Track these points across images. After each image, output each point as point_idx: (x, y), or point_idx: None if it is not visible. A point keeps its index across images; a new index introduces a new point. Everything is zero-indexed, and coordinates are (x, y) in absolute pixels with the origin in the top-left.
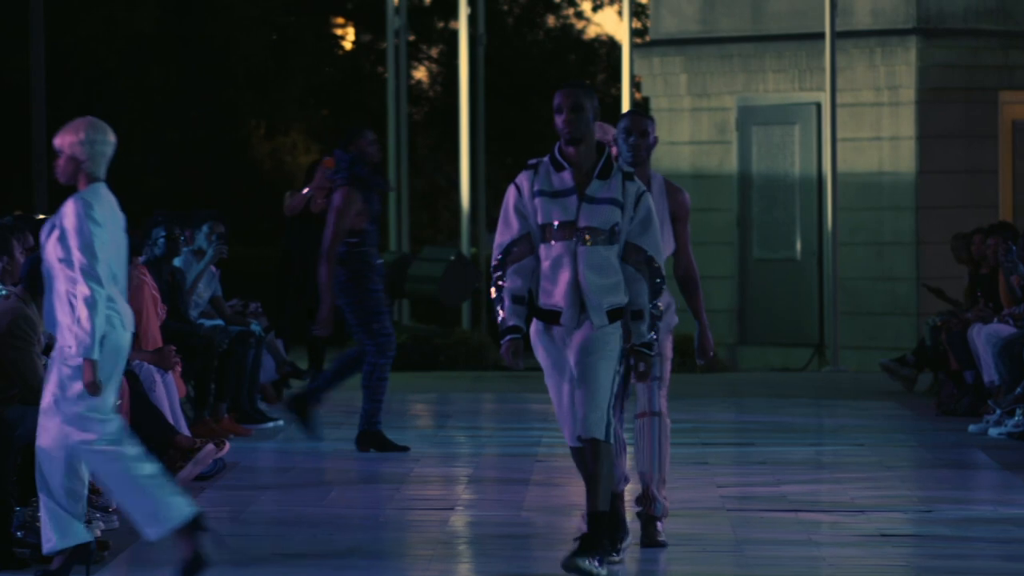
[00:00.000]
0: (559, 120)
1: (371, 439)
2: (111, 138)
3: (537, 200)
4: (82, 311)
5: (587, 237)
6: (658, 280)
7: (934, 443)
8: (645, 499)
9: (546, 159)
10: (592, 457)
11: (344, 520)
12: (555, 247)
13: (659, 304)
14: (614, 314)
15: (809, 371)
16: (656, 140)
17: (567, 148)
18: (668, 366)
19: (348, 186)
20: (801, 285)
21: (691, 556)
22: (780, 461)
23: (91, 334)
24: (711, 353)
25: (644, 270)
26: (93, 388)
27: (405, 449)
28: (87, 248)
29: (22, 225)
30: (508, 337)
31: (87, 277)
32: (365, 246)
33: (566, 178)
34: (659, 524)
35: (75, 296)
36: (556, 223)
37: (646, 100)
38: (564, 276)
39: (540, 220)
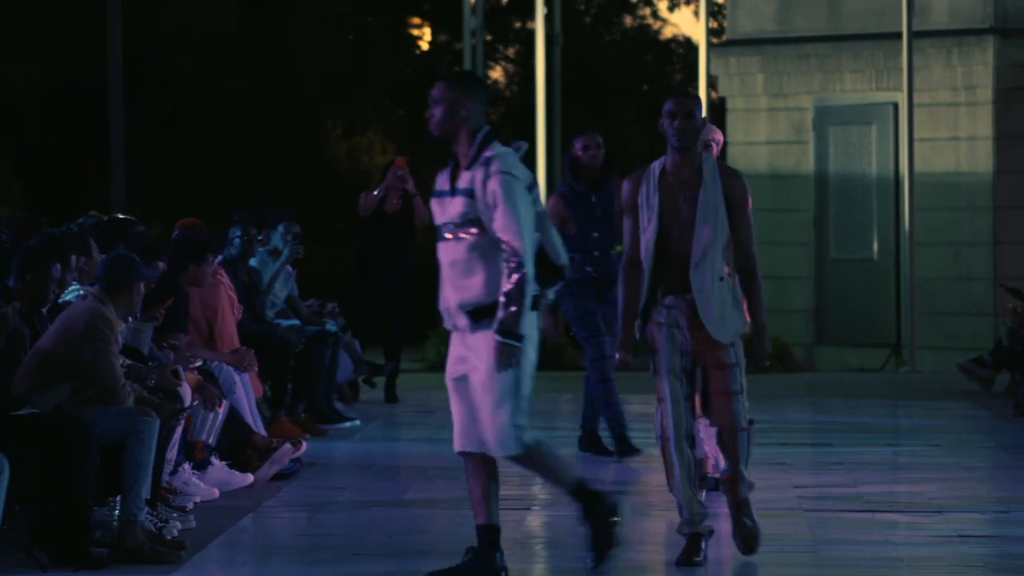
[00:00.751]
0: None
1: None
2: None
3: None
4: None
5: (447, 234)
6: (513, 263)
7: (1011, 444)
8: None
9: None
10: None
11: (420, 519)
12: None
13: (535, 291)
14: (477, 313)
15: (886, 371)
16: (705, 122)
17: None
18: (741, 373)
19: (557, 193)
20: (878, 285)
21: (768, 556)
22: (857, 461)
23: None
24: (766, 362)
25: (497, 255)
26: None
27: (609, 453)
28: None
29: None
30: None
31: None
32: (571, 252)
33: (445, 178)
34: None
35: None
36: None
37: (722, 100)
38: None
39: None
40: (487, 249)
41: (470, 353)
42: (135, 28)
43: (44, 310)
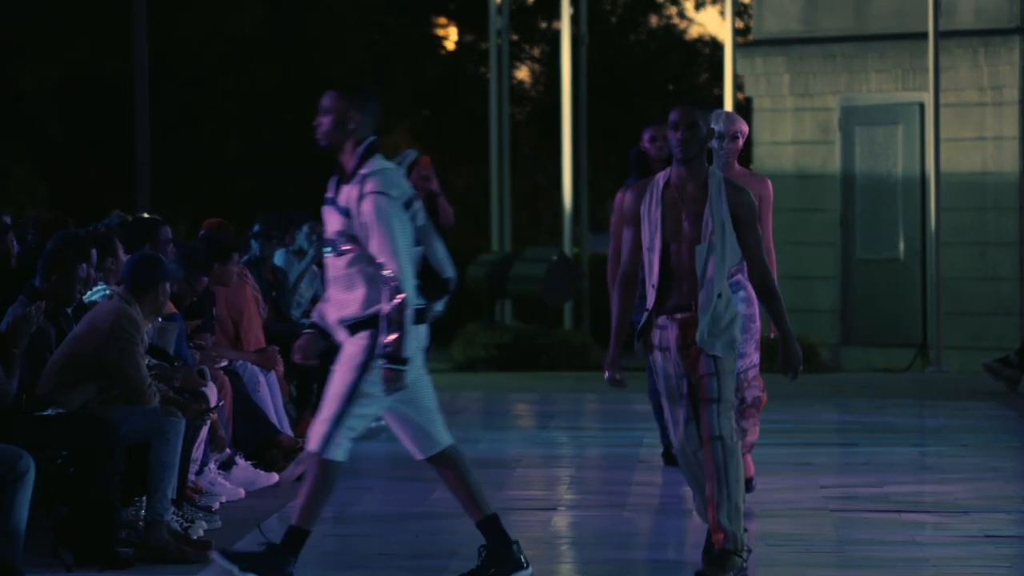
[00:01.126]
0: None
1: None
2: None
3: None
4: None
5: (329, 249)
6: (392, 286)
7: None
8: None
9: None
10: (308, 468)
11: (446, 520)
12: None
13: (420, 304)
14: (356, 327)
15: (912, 372)
16: (712, 133)
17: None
18: (720, 383)
19: (626, 189)
20: (904, 285)
21: (794, 556)
22: (883, 462)
23: None
24: (798, 367)
25: (377, 271)
26: None
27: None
28: None
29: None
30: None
31: None
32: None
33: (333, 186)
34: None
35: None
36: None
37: (748, 100)
38: None
39: None
40: (366, 265)
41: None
42: (160, 28)
43: (69, 310)
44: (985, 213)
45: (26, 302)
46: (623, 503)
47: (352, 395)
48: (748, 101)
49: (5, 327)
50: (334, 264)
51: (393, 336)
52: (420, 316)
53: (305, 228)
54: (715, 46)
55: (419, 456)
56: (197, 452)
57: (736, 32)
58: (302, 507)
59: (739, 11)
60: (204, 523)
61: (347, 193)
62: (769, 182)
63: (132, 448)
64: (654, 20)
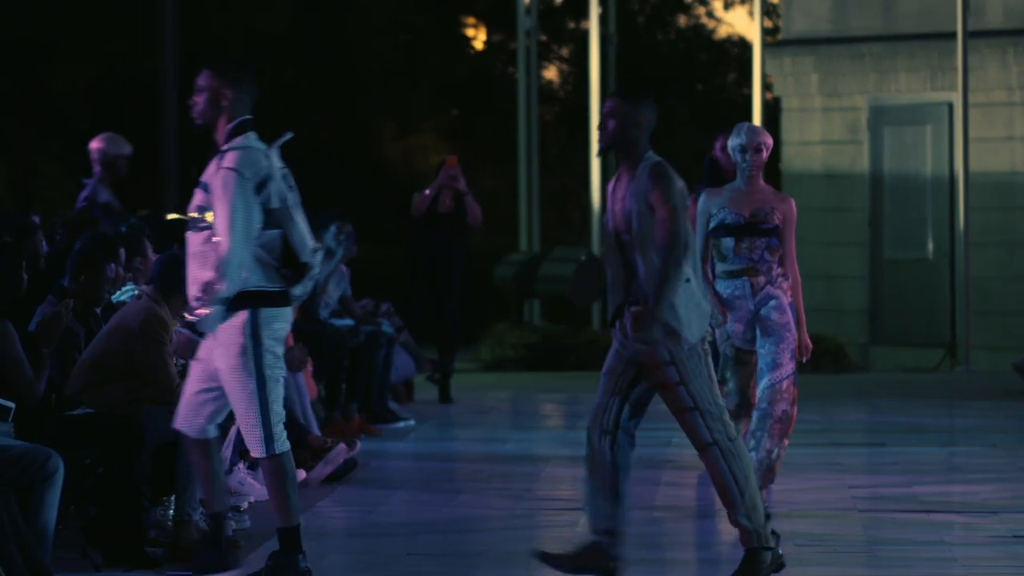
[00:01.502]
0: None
1: None
2: None
3: None
4: None
5: (190, 225)
6: (220, 261)
7: None
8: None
9: None
10: (263, 472)
11: (474, 521)
12: None
13: (281, 288)
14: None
15: (941, 371)
16: (643, 121)
17: None
18: (691, 390)
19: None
20: (933, 285)
21: (823, 556)
22: (912, 462)
23: None
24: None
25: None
26: None
27: None
28: None
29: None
30: None
31: None
32: None
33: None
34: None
35: None
36: None
37: (777, 100)
38: None
39: None
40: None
41: (215, 342)
42: (189, 28)
43: (98, 310)
44: (1014, 212)
45: (55, 302)
46: (651, 503)
47: (261, 390)
48: (776, 101)
49: (34, 327)
50: (192, 240)
51: (206, 310)
52: (282, 299)
53: (332, 228)
54: (743, 46)
55: (177, 425)
56: (226, 451)
57: (765, 32)
58: (278, 507)
59: (768, 11)
60: (233, 523)
61: (210, 169)
62: (792, 202)
63: (160, 448)
64: (682, 20)
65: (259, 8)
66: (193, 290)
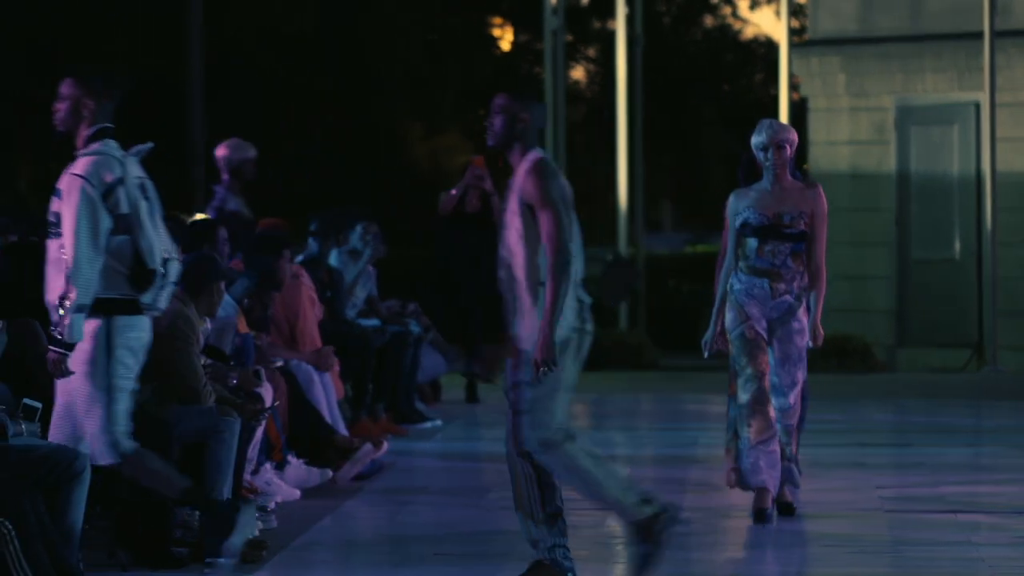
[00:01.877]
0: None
1: None
2: None
3: None
4: None
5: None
6: (71, 265)
7: None
8: None
9: None
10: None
11: (500, 521)
12: None
13: (126, 295)
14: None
15: (968, 372)
16: (524, 120)
17: None
18: (537, 392)
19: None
20: (960, 285)
21: (849, 556)
22: (939, 462)
23: None
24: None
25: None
26: None
27: None
28: None
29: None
30: None
31: None
32: None
33: None
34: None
35: None
36: None
37: (804, 100)
38: None
39: None
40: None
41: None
42: (214, 29)
43: None
44: None
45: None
46: (679, 503)
47: (108, 399)
48: (803, 101)
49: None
50: (49, 247)
51: (65, 321)
52: (132, 308)
53: (358, 228)
54: (770, 46)
55: (53, 435)
56: (253, 452)
57: (791, 32)
58: (167, 486)
59: (794, 11)
60: (260, 523)
61: (63, 175)
62: (820, 190)
63: (187, 448)
64: (709, 20)
65: (284, 9)
66: (51, 296)
